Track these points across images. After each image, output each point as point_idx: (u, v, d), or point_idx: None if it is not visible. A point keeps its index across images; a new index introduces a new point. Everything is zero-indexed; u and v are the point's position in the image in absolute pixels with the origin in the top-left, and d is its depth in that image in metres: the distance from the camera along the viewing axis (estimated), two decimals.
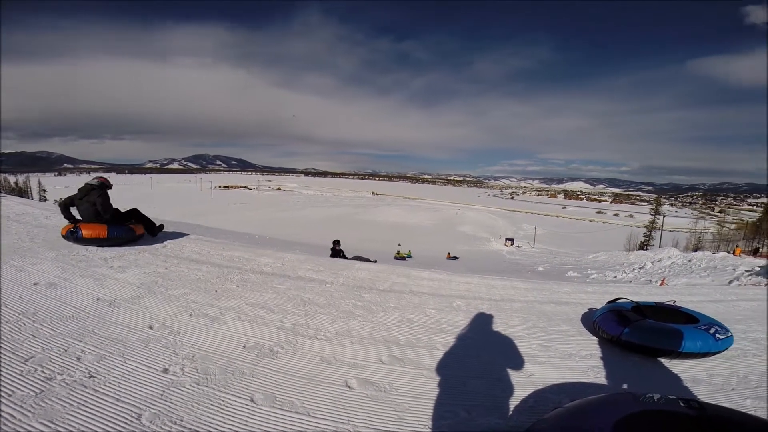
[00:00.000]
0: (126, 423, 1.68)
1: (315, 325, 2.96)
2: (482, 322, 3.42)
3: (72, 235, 4.84)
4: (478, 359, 2.60)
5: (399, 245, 31.20)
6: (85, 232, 4.85)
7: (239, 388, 2.02)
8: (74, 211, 5.23)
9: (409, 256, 27.45)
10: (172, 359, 2.24)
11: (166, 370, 2.11)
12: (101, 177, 5.49)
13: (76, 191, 5.22)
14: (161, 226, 6.14)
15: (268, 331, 2.76)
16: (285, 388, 2.05)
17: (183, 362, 2.22)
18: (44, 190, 73.06)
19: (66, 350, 2.20)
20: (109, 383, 1.95)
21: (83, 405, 1.76)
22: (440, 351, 2.70)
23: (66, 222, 5.11)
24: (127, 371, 2.07)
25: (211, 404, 1.86)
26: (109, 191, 5.40)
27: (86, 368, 2.05)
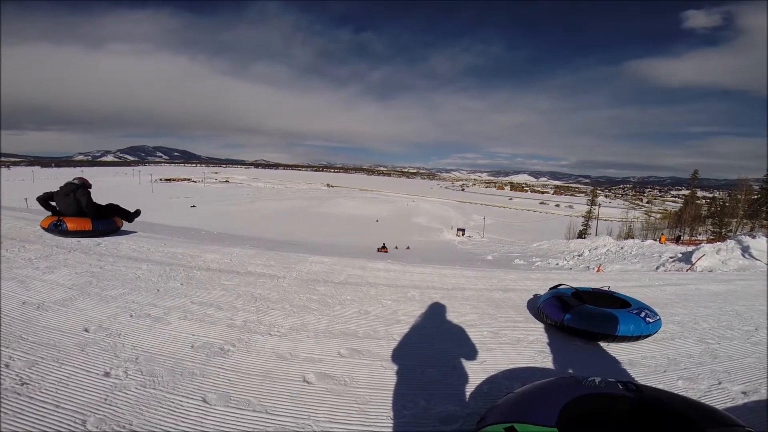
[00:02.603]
0: (70, 429, 1.57)
1: (268, 321, 2.88)
2: (436, 311, 3.50)
3: (56, 228, 5.04)
4: (433, 348, 2.66)
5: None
6: (70, 225, 5.09)
7: (190, 389, 1.93)
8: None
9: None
10: (113, 362, 2.10)
11: (107, 374, 1.98)
12: (81, 178, 5.67)
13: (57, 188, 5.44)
14: (138, 212, 6.44)
15: (218, 330, 2.65)
16: (239, 387, 1.99)
17: (126, 365, 2.08)
18: None
19: None
20: (45, 390, 1.80)
21: (19, 413, 1.62)
22: (397, 341, 2.73)
23: (46, 215, 5.31)
24: (65, 376, 1.92)
25: (161, 407, 1.77)
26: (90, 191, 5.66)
27: (17, 375, 1.88)
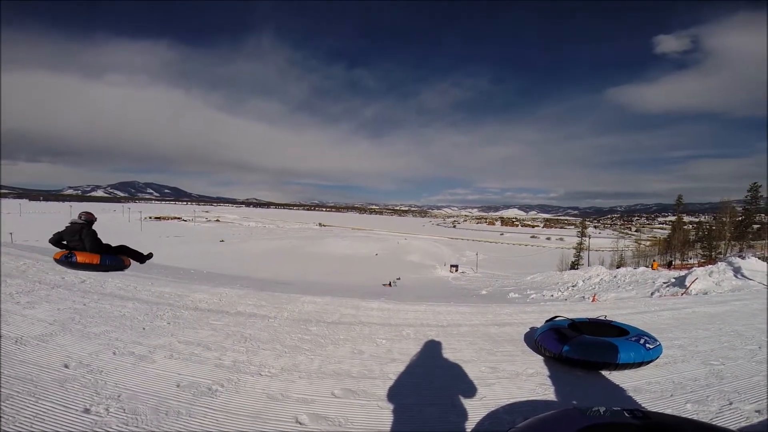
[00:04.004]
0: None
1: (258, 362, 2.79)
2: (432, 348, 3.42)
3: (66, 260, 5.26)
4: (430, 386, 2.58)
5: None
6: (80, 257, 5.32)
7: (175, 428, 1.84)
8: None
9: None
10: (93, 399, 2.01)
11: (87, 411, 1.89)
12: (87, 213, 5.82)
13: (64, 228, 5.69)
14: (150, 254, 6.62)
15: (205, 369, 2.56)
16: (228, 427, 1.89)
17: (107, 402, 1.99)
18: None
19: None
20: (20, 423, 1.72)
21: None
22: (393, 380, 2.65)
23: (52, 250, 5.61)
24: (41, 411, 1.83)
25: None
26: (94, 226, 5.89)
27: None
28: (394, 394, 2.42)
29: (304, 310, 4.57)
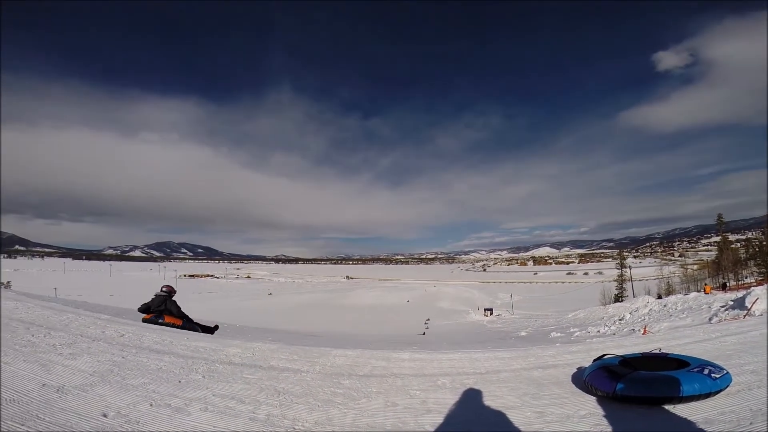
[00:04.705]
0: None
1: (292, 416, 2.70)
2: (470, 397, 3.25)
3: (155, 319, 6.44)
4: None
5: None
6: (167, 318, 6.52)
7: None
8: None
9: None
10: None
11: None
12: (168, 286, 7.11)
13: (150, 299, 6.98)
14: (216, 326, 7.70)
15: (240, 423, 2.50)
16: None
17: None
18: None
19: None
20: None
21: None
22: None
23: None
24: None
25: None
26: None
27: None
28: None
29: (335, 363, 4.46)
